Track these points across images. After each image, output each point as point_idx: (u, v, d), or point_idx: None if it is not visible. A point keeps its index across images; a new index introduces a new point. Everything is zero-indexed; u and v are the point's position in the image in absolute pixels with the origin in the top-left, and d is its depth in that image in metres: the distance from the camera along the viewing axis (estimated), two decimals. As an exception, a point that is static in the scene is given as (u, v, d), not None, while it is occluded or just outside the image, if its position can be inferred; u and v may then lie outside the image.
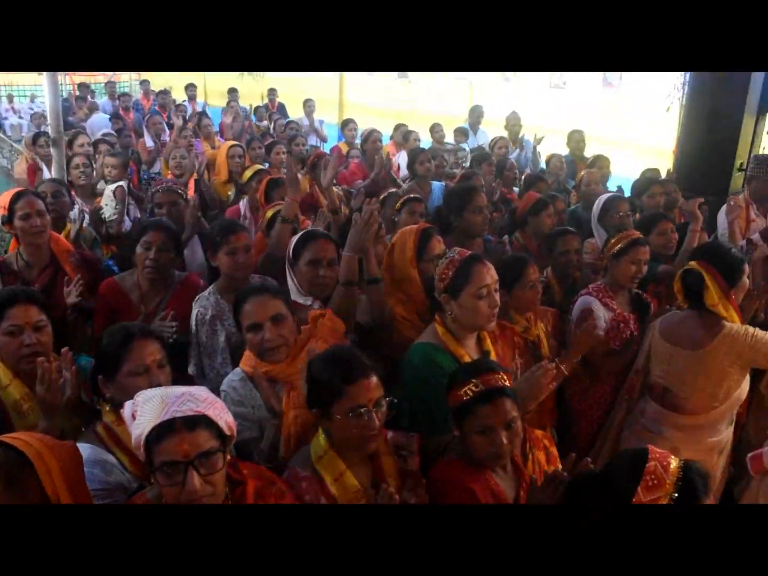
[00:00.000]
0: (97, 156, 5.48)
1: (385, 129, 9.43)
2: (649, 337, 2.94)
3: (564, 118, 7.81)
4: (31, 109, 15.90)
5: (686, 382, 2.76)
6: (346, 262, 2.58)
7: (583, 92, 7.83)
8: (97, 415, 2.07)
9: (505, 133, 6.82)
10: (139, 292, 2.98)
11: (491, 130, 7.64)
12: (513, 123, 6.78)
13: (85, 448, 1.89)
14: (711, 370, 2.70)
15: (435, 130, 7.38)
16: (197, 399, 1.53)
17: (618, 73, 7.47)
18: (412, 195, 3.95)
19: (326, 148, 9.02)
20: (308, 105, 9.04)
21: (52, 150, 3.94)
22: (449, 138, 7.63)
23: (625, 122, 7.43)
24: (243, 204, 4.45)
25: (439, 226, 3.36)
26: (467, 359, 2.32)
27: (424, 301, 2.73)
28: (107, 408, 2.00)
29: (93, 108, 9.81)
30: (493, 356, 2.45)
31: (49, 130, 3.99)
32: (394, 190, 4.38)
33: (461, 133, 7.52)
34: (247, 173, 4.58)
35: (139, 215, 5.12)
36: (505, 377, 1.97)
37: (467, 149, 7.37)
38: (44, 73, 3.90)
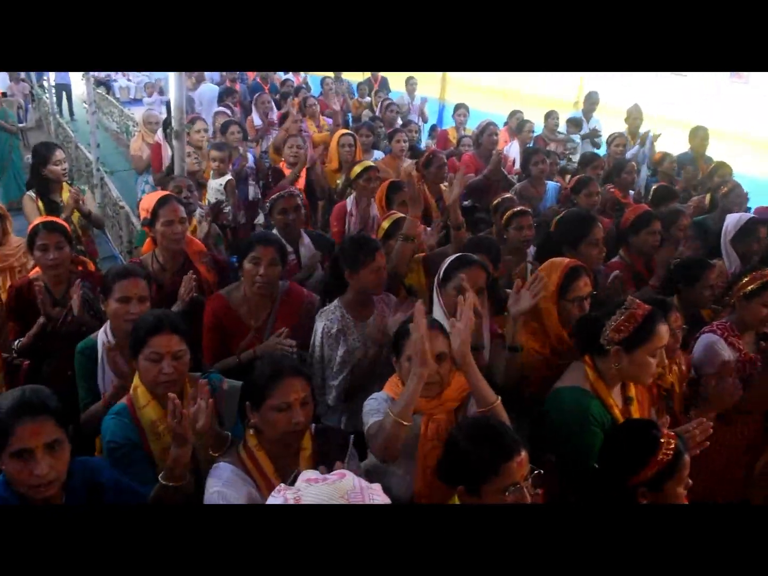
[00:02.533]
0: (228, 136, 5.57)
1: (488, 107, 9.24)
2: None
3: (684, 109, 7.33)
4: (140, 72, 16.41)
5: None
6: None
7: (707, 82, 7.31)
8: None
9: (623, 126, 6.48)
10: (247, 306, 2.96)
11: (602, 117, 7.31)
12: (635, 116, 6.41)
13: (225, 468, 1.99)
14: None
15: (551, 116, 7.15)
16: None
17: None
18: (519, 209, 3.82)
19: (426, 128, 8.89)
20: (410, 83, 8.86)
21: (174, 142, 3.97)
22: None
23: (753, 116, 6.91)
24: (350, 201, 4.38)
25: (549, 251, 3.22)
26: (615, 409, 2.31)
27: (558, 337, 2.66)
28: (251, 432, 2.07)
29: (200, 78, 9.92)
30: (635, 404, 2.40)
31: (173, 122, 4.02)
32: (507, 195, 4.23)
33: (573, 124, 7.23)
34: (357, 169, 4.41)
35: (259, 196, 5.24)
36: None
37: (578, 141, 7.10)
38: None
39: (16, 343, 2.94)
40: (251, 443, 2.06)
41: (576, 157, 6.80)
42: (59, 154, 4.35)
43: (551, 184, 4.99)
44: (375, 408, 2.24)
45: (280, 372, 2.01)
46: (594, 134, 6.93)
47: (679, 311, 3.21)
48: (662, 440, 1.92)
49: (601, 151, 6.59)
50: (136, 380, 2.31)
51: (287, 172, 5.00)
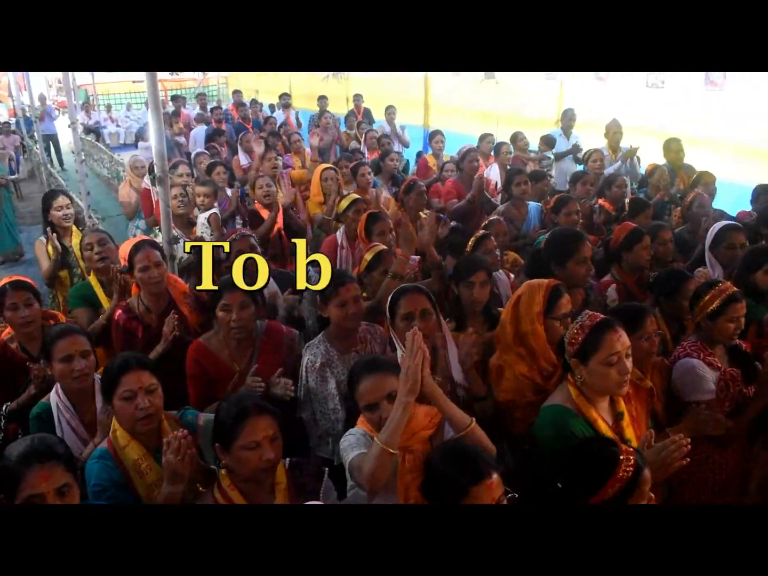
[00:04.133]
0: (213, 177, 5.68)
1: (472, 130, 9.34)
2: None
3: (663, 119, 7.43)
4: (128, 117, 16.67)
5: None
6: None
7: (684, 92, 7.41)
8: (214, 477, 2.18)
9: (603, 141, 6.56)
10: (227, 351, 2.98)
11: (584, 133, 7.39)
12: (614, 131, 6.46)
13: None
14: None
15: (518, 138, 7.24)
16: None
17: (722, 72, 7.04)
18: (482, 233, 3.88)
19: (408, 154, 9.02)
20: (389, 111, 9.03)
21: (158, 188, 4.04)
22: (534, 144, 7.50)
23: (731, 124, 6.98)
24: (340, 234, 4.44)
25: (538, 270, 3.27)
26: (600, 423, 2.32)
27: (546, 358, 2.68)
28: (223, 473, 2.13)
29: (199, 119, 10.19)
30: (626, 418, 2.40)
31: (155, 168, 4.10)
32: (495, 218, 4.30)
33: (545, 142, 7.32)
34: (344, 203, 4.52)
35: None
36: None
37: (551, 158, 7.18)
38: (150, 112, 4.00)
39: (4, 407, 2.95)
40: (224, 483, 2.11)
41: (552, 172, 6.90)
42: (61, 200, 4.50)
43: (533, 205, 5.03)
44: (354, 443, 2.26)
45: (245, 412, 2.06)
46: (575, 150, 7.01)
47: (663, 321, 3.27)
48: (621, 457, 1.93)
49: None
50: (114, 423, 2.37)
51: (263, 212, 5.05)
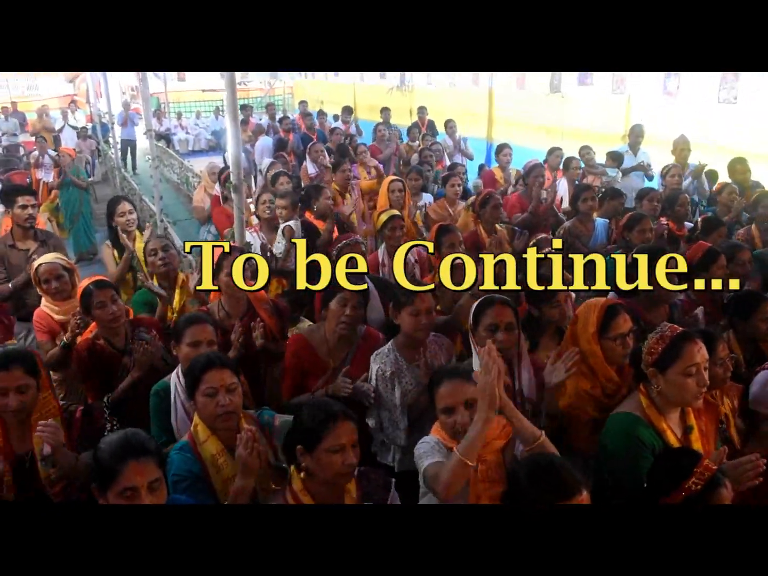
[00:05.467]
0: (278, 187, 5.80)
1: (535, 144, 9.32)
2: None
3: (735, 136, 7.27)
4: (197, 125, 17.20)
5: None
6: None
7: (759, 107, 7.23)
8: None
9: (671, 158, 6.45)
10: (326, 347, 3.11)
11: (651, 149, 7.27)
12: (682, 147, 6.33)
13: None
14: None
15: (584, 152, 7.15)
16: None
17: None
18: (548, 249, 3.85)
19: (471, 166, 9.05)
20: (449, 126, 9.07)
21: (233, 195, 4.18)
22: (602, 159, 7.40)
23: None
24: (381, 251, 4.43)
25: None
26: (669, 434, 2.35)
27: (606, 376, 2.70)
28: (295, 475, 2.16)
29: (260, 131, 10.36)
30: (695, 432, 2.42)
31: (231, 176, 4.23)
32: (543, 236, 4.30)
33: (612, 158, 7.22)
34: (382, 218, 4.44)
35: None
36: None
37: (615, 176, 7.07)
38: (228, 120, 4.13)
39: (106, 398, 3.11)
40: (297, 487, 2.13)
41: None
42: (123, 206, 4.64)
43: (600, 221, 5.01)
44: (428, 451, 2.29)
45: (333, 416, 2.11)
46: (643, 168, 6.88)
47: (737, 344, 3.22)
48: (696, 470, 1.91)
49: (653, 184, 6.59)
50: (195, 418, 2.49)
51: (317, 223, 5.09)
